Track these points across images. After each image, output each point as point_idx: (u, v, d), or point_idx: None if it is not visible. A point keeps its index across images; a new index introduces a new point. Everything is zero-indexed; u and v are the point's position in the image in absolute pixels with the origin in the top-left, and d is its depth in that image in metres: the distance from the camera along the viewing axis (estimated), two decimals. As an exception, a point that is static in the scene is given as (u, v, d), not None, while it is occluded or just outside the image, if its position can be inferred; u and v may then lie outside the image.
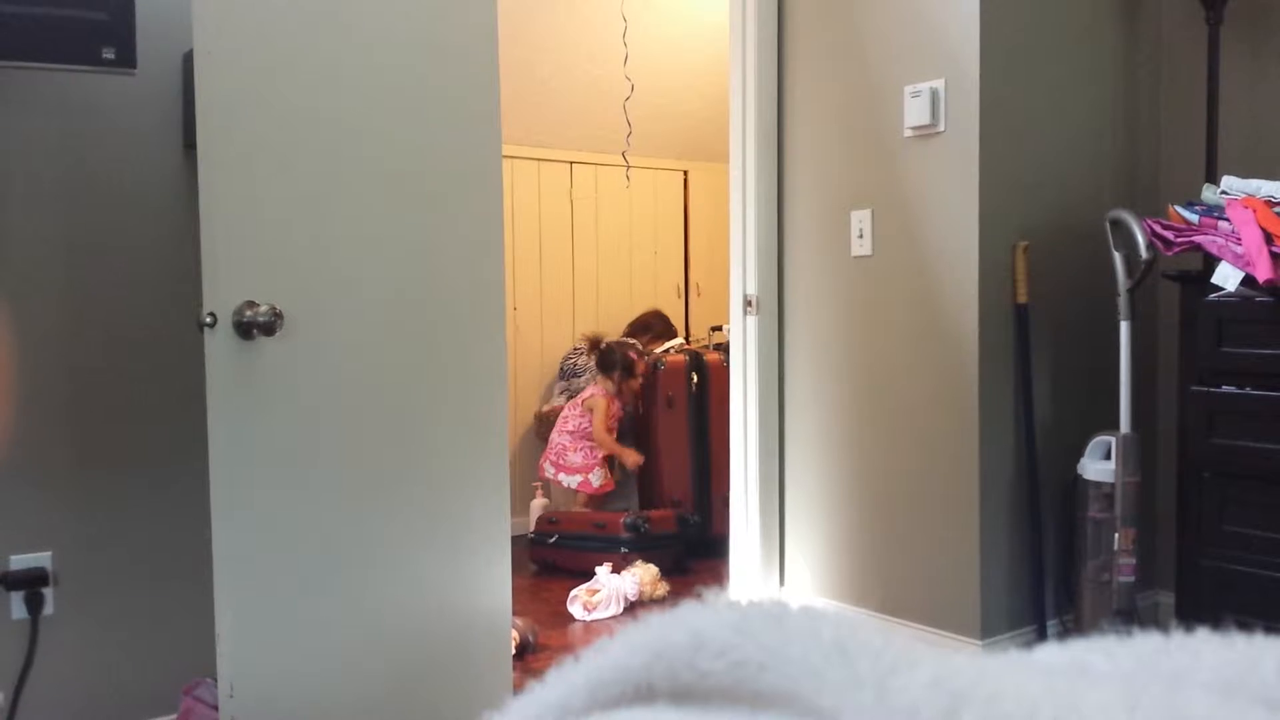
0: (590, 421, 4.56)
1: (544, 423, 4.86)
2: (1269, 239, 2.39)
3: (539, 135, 4.87)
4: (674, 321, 5.39)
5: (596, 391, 4.60)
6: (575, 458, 4.55)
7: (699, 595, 0.30)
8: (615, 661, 0.29)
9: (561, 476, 4.55)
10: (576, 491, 4.58)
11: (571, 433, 4.56)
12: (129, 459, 2.45)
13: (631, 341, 4.80)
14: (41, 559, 2.35)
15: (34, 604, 2.33)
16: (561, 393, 4.92)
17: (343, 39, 2.16)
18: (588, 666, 0.29)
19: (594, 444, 4.56)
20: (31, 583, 2.33)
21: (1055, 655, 0.31)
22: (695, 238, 5.52)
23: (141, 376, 2.45)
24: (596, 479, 4.54)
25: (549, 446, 4.63)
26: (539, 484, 4.71)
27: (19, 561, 2.33)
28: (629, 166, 5.14)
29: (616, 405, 4.63)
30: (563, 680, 0.29)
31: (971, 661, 0.27)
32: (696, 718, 0.27)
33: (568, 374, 4.96)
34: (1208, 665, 0.28)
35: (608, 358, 4.64)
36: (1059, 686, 0.25)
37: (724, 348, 4.32)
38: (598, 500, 4.59)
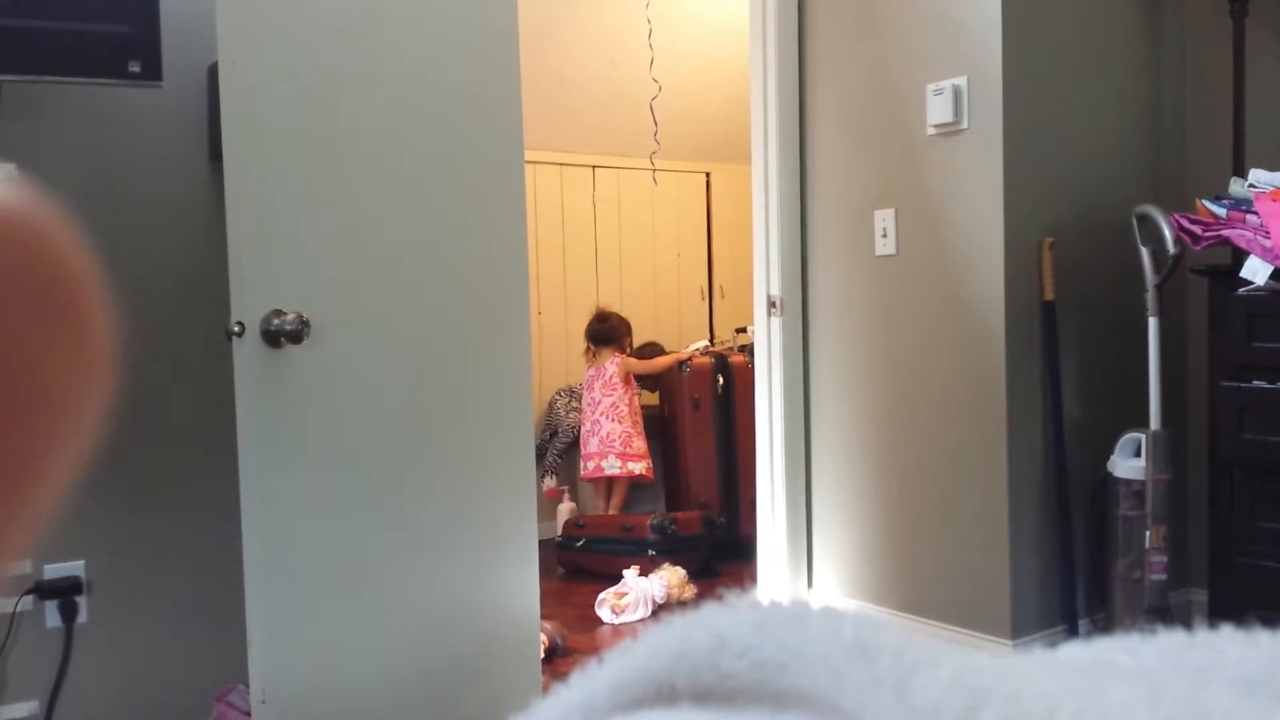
0: (631, 399, 4.52)
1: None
2: (1299, 232, 2.36)
3: (561, 140, 4.88)
4: (699, 323, 5.39)
5: (616, 358, 4.55)
6: (640, 443, 4.53)
7: (720, 596, 0.30)
8: (638, 663, 0.29)
9: (631, 465, 4.50)
10: (645, 476, 4.55)
11: (631, 419, 4.52)
12: (159, 467, 2.47)
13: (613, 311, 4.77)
14: (75, 568, 2.38)
15: (68, 612, 2.36)
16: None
17: (365, 48, 2.17)
18: (611, 668, 0.29)
19: (640, 426, 4.53)
20: (65, 591, 2.36)
21: (1079, 653, 0.31)
22: (718, 240, 5.52)
23: (170, 385, 2.48)
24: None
25: (605, 443, 4.50)
26: (565, 488, 4.72)
27: (53, 570, 2.36)
28: (655, 170, 5.14)
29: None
30: (586, 682, 0.30)
31: (993, 660, 0.27)
32: (719, 718, 0.27)
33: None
34: (1231, 662, 0.28)
35: (616, 330, 4.61)
36: (1081, 684, 0.25)
37: (749, 349, 4.32)
38: (626, 502, 4.59)
